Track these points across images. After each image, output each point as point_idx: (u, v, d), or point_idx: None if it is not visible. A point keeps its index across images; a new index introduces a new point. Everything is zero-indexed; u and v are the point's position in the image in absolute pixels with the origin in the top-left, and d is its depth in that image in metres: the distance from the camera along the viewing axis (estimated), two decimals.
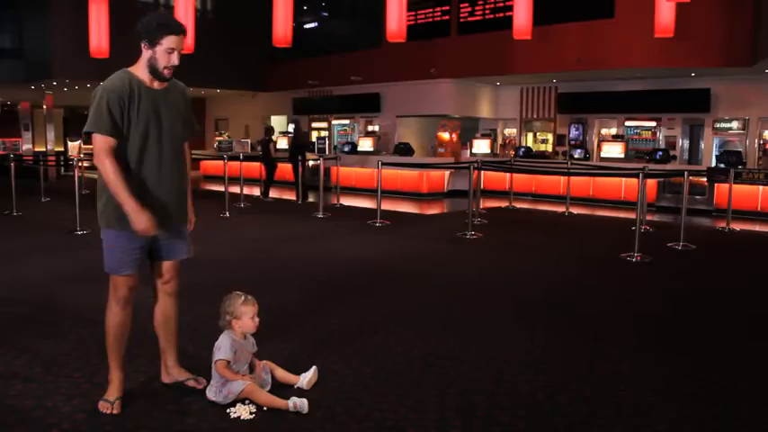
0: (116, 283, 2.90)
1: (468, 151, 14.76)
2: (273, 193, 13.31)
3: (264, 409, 2.90)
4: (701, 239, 8.06)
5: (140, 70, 2.85)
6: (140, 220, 2.75)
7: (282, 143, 16.59)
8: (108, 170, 2.72)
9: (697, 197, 11.24)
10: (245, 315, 3.05)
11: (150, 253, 2.99)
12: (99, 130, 2.72)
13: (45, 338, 3.86)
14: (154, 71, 2.83)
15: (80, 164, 10.47)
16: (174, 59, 2.82)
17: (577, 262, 6.66)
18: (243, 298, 3.07)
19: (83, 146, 18.51)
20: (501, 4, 14.43)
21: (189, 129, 3.11)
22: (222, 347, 3.01)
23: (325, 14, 20.23)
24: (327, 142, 16.45)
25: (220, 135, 21.84)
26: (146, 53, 2.82)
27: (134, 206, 2.74)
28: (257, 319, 3.10)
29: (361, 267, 6.14)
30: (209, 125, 23.98)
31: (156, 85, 2.87)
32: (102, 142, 2.72)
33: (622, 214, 10.76)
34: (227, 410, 2.88)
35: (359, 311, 4.57)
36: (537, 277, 5.85)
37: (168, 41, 2.79)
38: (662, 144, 14.29)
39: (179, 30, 2.82)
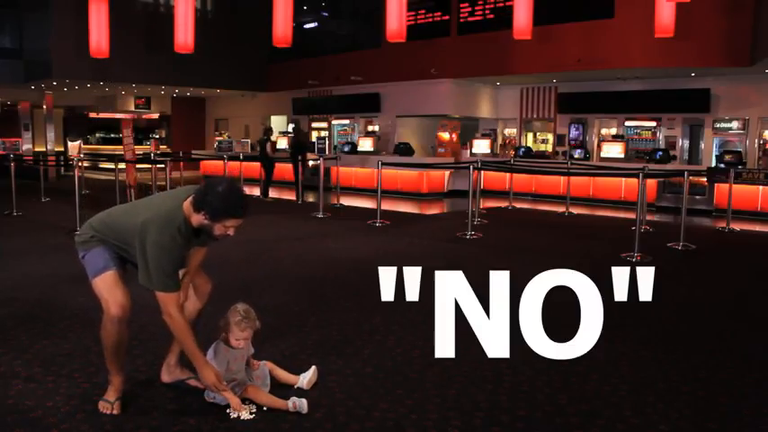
0: (107, 303, 2.85)
1: (468, 151, 14.76)
2: (273, 193, 13.32)
3: (264, 409, 2.90)
4: (701, 239, 8.06)
5: (189, 214, 2.80)
6: (208, 374, 2.82)
7: (282, 143, 16.60)
8: (179, 326, 2.80)
9: (697, 197, 11.24)
10: (233, 334, 3.00)
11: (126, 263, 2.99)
12: (167, 288, 2.74)
13: (45, 338, 3.86)
14: (207, 235, 2.87)
15: (80, 164, 10.47)
16: (231, 232, 2.83)
17: (577, 262, 6.64)
18: (239, 318, 3.00)
19: (82, 146, 18.52)
20: (501, 5, 14.42)
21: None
22: (209, 359, 2.97)
23: (326, 14, 20.23)
24: (327, 142, 16.47)
25: (220, 135, 21.84)
26: (201, 218, 2.77)
27: (202, 360, 2.85)
28: (247, 343, 3.05)
29: (360, 267, 6.13)
30: (209, 125, 23.99)
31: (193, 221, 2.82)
32: (169, 299, 2.76)
33: (622, 214, 10.76)
34: (227, 410, 2.88)
35: (359, 311, 4.57)
36: None
37: (231, 222, 2.79)
38: (662, 144, 14.29)
39: (244, 214, 2.82)
